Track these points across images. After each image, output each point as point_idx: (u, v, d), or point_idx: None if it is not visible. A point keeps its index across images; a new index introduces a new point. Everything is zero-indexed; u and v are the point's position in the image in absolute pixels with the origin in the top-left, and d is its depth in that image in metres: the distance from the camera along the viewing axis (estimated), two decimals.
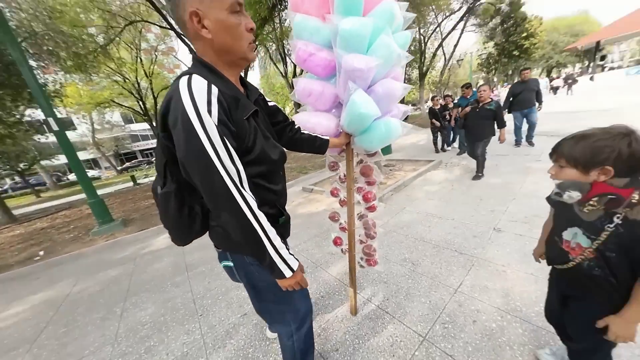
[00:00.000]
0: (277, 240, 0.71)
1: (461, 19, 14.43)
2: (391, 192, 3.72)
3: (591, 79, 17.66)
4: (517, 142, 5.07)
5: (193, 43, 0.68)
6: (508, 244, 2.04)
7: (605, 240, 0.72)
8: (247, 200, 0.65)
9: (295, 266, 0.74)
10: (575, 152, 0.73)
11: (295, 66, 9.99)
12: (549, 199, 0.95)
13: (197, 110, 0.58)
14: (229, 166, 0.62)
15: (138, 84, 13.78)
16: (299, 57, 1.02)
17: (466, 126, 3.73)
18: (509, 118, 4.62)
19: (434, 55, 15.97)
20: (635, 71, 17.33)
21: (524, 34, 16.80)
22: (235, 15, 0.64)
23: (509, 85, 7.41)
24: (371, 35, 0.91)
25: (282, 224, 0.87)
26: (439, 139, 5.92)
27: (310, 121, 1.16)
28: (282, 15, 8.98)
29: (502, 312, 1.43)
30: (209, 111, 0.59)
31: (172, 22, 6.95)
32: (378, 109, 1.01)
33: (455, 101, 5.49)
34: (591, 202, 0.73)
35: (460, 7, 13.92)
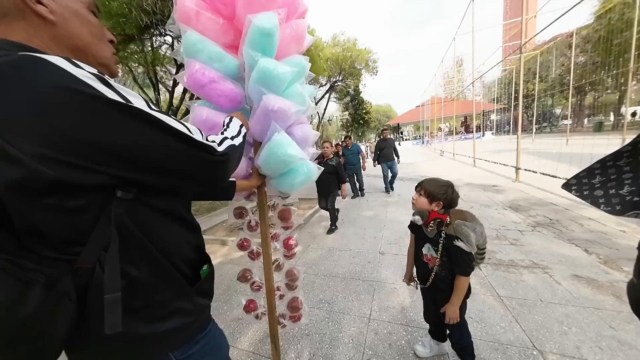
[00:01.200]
0: (228, 130, 0.62)
1: (327, 91, 19.54)
2: (295, 229, 3.74)
3: (399, 144, 30.37)
4: (387, 189, 5.83)
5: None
6: (391, 264, 2.54)
7: (441, 250, 1.14)
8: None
9: (237, 121, 0.70)
10: (429, 187, 1.17)
11: (171, 95, 8.66)
12: (409, 227, 1.35)
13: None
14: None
15: None
16: (195, 80, 0.86)
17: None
18: (378, 168, 6.14)
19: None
20: (415, 142, 33.47)
21: (364, 111, 24.98)
22: (93, 16, 0.50)
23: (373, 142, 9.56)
24: (289, 82, 0.95)
25: (206, 278, 0.58)
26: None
27: None
28: (155, 40, 7.94)
29: (404, 327, 1.67)
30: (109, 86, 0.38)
31: None
32: (302, 151, 1.02)
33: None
34: (431, 225, 1.14)
35: (326, 83, 18.82)
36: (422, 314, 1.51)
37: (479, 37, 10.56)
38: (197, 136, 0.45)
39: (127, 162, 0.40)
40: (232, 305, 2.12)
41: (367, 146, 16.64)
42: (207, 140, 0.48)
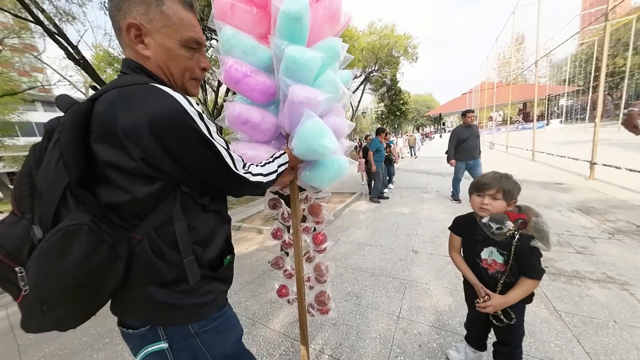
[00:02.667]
0: (266, 167, 0.74)
1: (362, 82, 18.90)
2: (325, 224, 3.81)
3: (440, 136, 28.58)
4: (454, 196, 4.17)
5: (126, 50, 0.60)
6: (425, 263, 2.40)
7: (513, 254, 0.96)
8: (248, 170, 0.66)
9: (285, 158, 0.84)
10: (508, 186, 0.98)
11: (216, 94, 9.38)
12: (453, 228, 1.19)
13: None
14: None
15: None
16: (230, 76, 0.88)
17: None
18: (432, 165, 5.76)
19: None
20: None
21: (402, 101, 23.49)
22: (186, 50, 0.61)
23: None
24: (319, 69, 0.89)
25: (227, 266, 0.68)
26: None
27: (247, 154, 0.98)
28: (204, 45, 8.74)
29: (437, 329, 1.58)
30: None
31: (41, 16, 5.36)
32: (337, 142, 0.94)
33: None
34: (509, 228, 0.94)
35: (361, 74, 18.19)
36: (456, 318, 1.41)
37: (546, 7, 8.80)
38: (238, 165, 0.61)
39: (192, 173, 0.55)
40: (266, 289, 2.30)
41: (405, 139, 15.63)
42: (243, 169, 0.63)
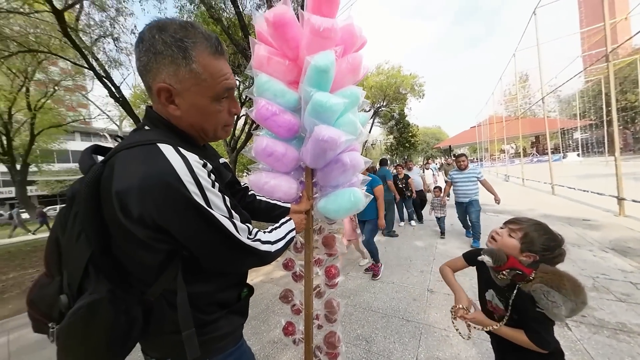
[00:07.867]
0: (274, 233, 0.71)
1: (371, 117, 19.89)
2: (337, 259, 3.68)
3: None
4: None
5: (154, 104, 0.59)
6: (442, 305, 2.21)
7: (511, 306, 0.88)
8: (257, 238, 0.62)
9: (291, 224, 0.82)
10: (532, 232, 0.92)
11: (234, 128, 10.20)
12: (465, 254, 1.13)
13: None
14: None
15: (10, 115, 10.72)
16: (260, 114, 1.02)
17: None
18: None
19: None
20: (473, 165, 31.02)
21: (410, 134, 24.12)
22: (217, 103, 0.58)
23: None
24: (341, 112, 1.03)
25: (244, 298, 0.70)
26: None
27: (269, 183, 1.10)
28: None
29: None
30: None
31: (94, 62, 6.39)
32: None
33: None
34: (503, 273, 0.89)
35: (370, 109, 19.28)
36: None
37: (546, 50, 9.34)
38: (242, 234, 0.56)
39: (186, 244, 0.52)
40: (269, 326, 2.16)
41: (420, 167, 14.48)
42: (249, 237, 0.59)
